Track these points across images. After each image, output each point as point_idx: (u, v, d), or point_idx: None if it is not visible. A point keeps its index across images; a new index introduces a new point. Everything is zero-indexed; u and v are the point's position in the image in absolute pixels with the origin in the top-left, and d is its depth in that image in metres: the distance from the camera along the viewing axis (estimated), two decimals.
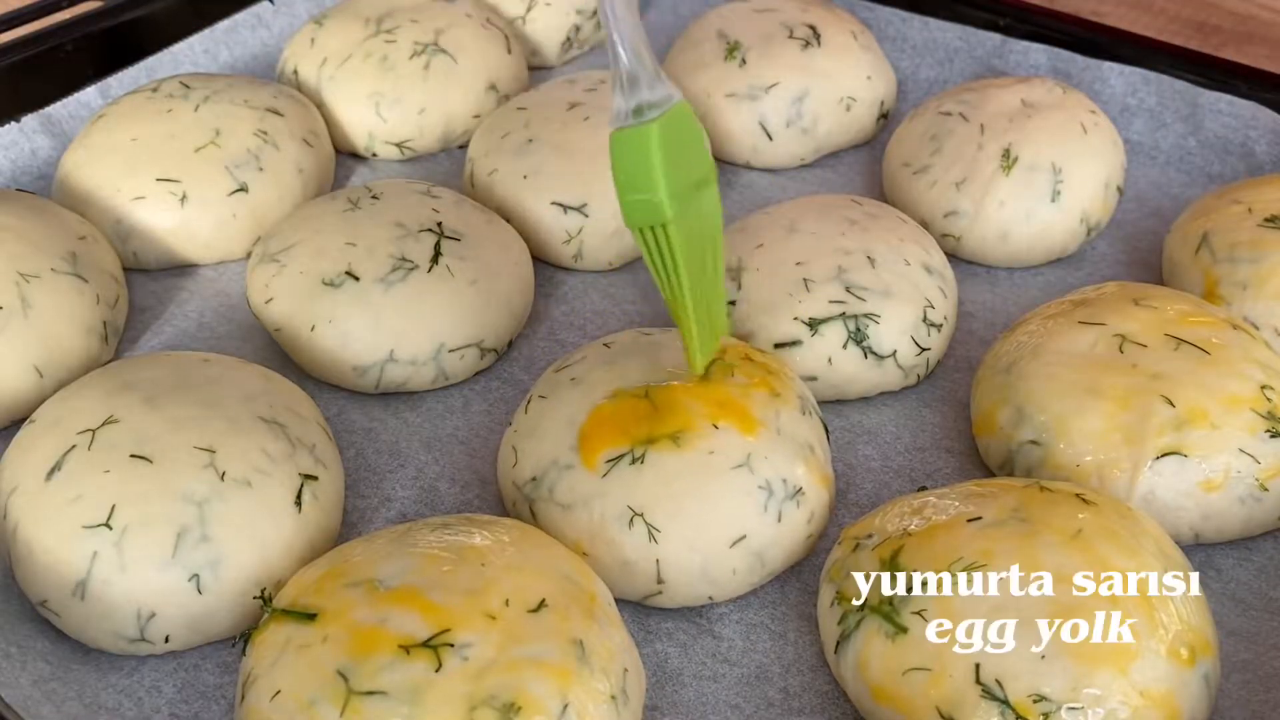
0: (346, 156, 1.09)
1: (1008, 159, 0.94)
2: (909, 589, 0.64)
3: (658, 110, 0.65)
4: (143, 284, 0.96)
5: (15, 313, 0.83)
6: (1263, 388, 0.74)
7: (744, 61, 1.06)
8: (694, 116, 0.68)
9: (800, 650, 0.71)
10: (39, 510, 0.70)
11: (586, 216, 0.94)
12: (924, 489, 0.72)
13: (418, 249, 0.86)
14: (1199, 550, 0.75)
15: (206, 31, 1.13)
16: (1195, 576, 0.66)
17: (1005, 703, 0.60)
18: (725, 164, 1.08)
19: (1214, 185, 1.03)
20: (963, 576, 0.63)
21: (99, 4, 1.15)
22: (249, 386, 0.76)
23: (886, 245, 0.86)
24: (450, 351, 0.85)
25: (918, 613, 0.63)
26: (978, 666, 0.61)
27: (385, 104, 1.06)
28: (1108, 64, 1.07)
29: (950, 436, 0.84)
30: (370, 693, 0.58)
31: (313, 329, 0.85)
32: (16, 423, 0.82)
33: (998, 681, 0.60)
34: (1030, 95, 0.98)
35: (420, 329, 0.84)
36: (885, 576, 0.65)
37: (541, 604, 0.62)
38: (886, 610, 0.64)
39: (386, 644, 0.60)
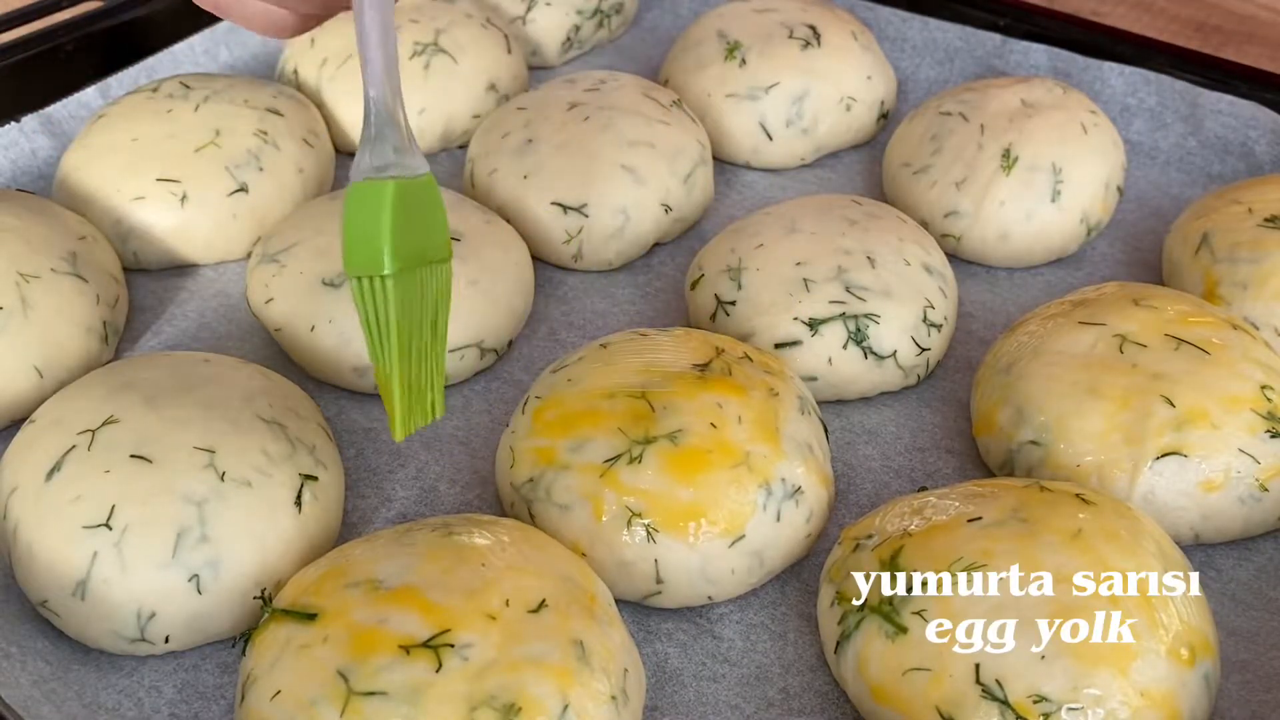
0: (346, 156, 1.09)
1: (1008, 159, 0.94)
2: (909, 589, 0.64)
3: (401, 174, 0.66)
4: (143, 284, 0.96)
5: (15, 313, 0.83)
6: (1263, 388, 0.74)
7: (744, 61, 1.06)
8: (439, 195, 0.69)
9: (800, 650, 0.71)
10: (39, 510, 0.70)
11: (586, 216, 0.94)
12: (924, 489, 0.72)
13: None
14: (1199, 550, 0.75)
15: (206, 31, 1.13)
16: (1195, 576, 0.66)
17: (1005, 703, 0.60)
18: (725, 164, 1.08)
19: (1214, 185, 1.03)
20: (963, 576, 0.63)
21: (99, 4, 1.15)
22: (249, 386, 0.76)
23: (886, 245, 0.86)
24: (450, 351, 0.85)
25: (918, 613, 0.63)
26: (978, 666, 0.61)
27: None
28: (1108, 64, 1.07)
29: (950, 436, 0.84)
30: (370, 693, 0.58)
31: (313, 329, 0.85)
32: (16, 423, 0.83)
33: (998, 681, 0.60)
34: (1030, 95, 0.98)
35: None
36: (885, 576, 0.65)
37: (542, 604, 0.62)
38: (886, 610, 0.64)
39: (387, 644, 0.60)
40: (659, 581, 0.71)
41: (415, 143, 0.67)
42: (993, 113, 0.97)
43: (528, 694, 0.59)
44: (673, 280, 0.97)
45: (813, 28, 1.07)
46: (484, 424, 0.85)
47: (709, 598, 0.72)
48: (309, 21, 0.64)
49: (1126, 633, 0.61)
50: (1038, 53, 1.09)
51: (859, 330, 0.83)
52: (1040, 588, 0.62)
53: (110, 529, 0.68)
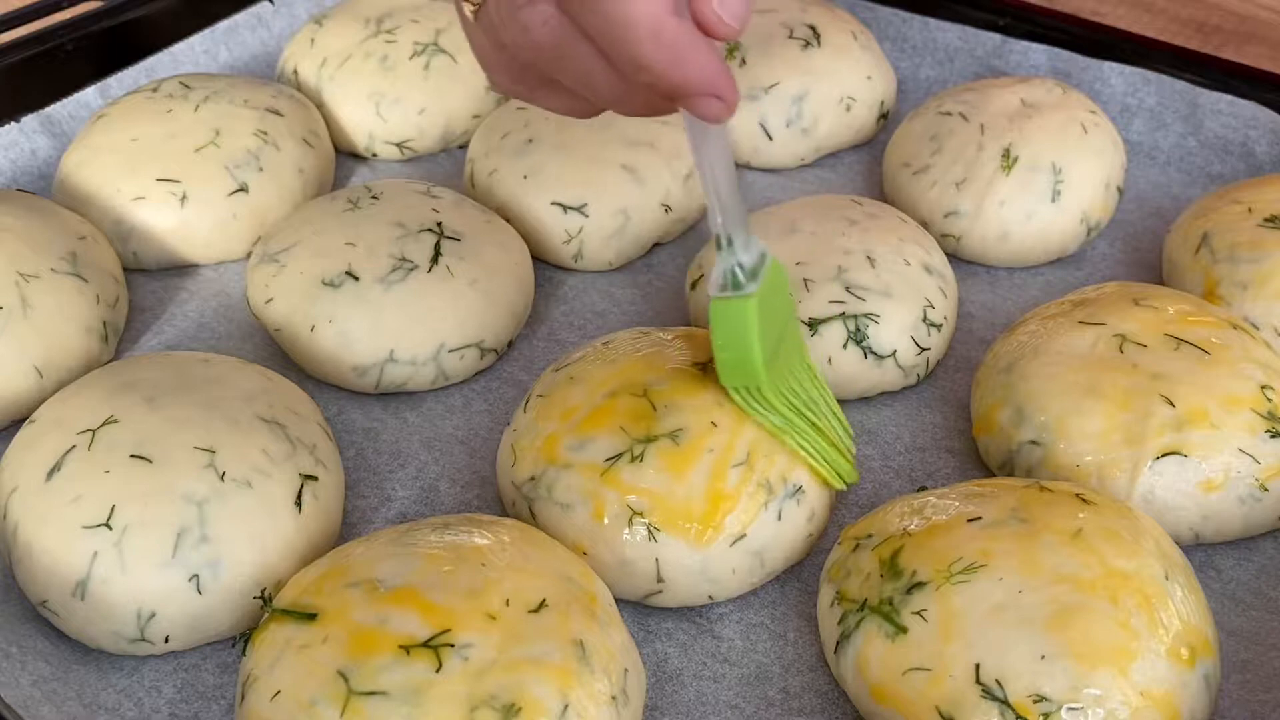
0: (346, 156, 1.09)
1: (1008, 159, 0.94)
2: (909, 589, 0.64)
3: (751, 271, 0.68)
4: (143, 284, 0.96)
5: (15, 313, 0.83)
6: (1263, 388, 0.74)
7: (744, 61, 1.06)
8: (782, 270, 0.71)
9: (800, 650, 0.71)
10: (39, 510, 0.70)
11: (586, 216, 0.94)
12: (924, 489, 0.72)
13: (418, 249, 0.86)
14: (1199, 550, 0.75)
15: (206, 31, 1.13)
16: (1195, 576, 0.66)
17: (1005, 703, 0.60)
18: None
19: (1214, 185, 1.03)
20: (963, 576, 0.63)
21: (99, 4, 1.15)
22: (249, 386, 0.76)
23: (886, 245, 0.86)
24: (450, 351, 0.85)
25: (918, 613, 0.63)
26: (978, 666, 0.61)
27: (385, 104, 1.06)
28: (1108, 64, 1.07)
29: (950, 436, 0.84)
30: (370, 693, 0.58)
31: (313, 329, 0.85)
32: (16, 423, 0.83)
33: (998, 681, 0.60)
34: (1030, 95, 0.98)
35: (420, 329, 0.84)
36: (885, 576, 0.65)
37: (542, 604, 0.62)
38: (886, 610, 0.64)
39: (387, 644, 0.60)
40: (660, 581, 0.71)
41: (753, 232, 0.69)
42: (993, 113, 0.97)
43: (528, 694, 0.59)
44: (673, 280, 0.97)
45: (813, 28, 1.07)
46: (484, 424, 0.85)
47: (709, 597, 0.72)
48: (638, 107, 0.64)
49: (1126, 633, 0.61)
50: (1038, 53, 1.09)
51: (859, 330, 0.83)
52: (1040, 587, 0.62)
53: (110, 529, 0.68)
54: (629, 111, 0.61)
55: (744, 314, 0.67)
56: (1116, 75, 1.06)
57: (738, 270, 0.67)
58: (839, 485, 0.74)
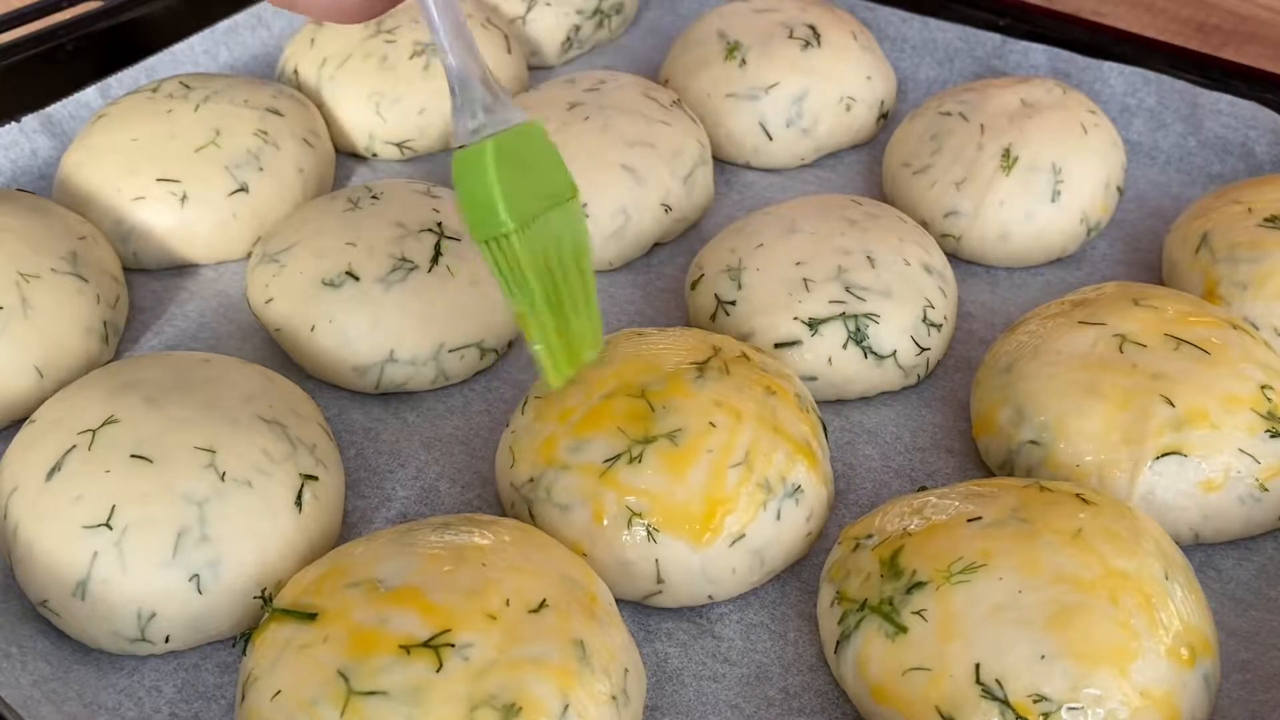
0: (346, 156, 1.09)
1: (1008, 159, 0.94)
2: (909, 589, 0.64)
3: (498, 130, 0.67)
4: (143, 284, 0.96)
5: (15, 313, 0.83)
6: (1263, 388, 0.74)
7: (744, 62, 1.06)
8: (546, 137, 0.69)
9: (800, 650, 0.71)
10: (39, 510, 0.70)
11: (586, 216, 0.94)
12: (924, 489, 0.72)
13: (418, 249, 0.86)
14: (1199, 550, 0.75)
15: (206, 31, 1.13)
16: (1195, 576, 0.66)
17: (1005, 703, 0.60)
18: (725, 164, 1.08)
19: (1214, 185, 1.03)
20: (963, 576, 0.63)
21: (99, 4, 1.15)
22: (249, 386, 0.76)
23: (886, 245, 0.86)
24: (450, 351, 0.85)
25: (918, 613, 0.63)
26: (978, 666, 0.61)
27: (385, 104, 1.06)
28: (1108, 64, 1.07)
29: (950, 436, 0.84)
30: (371, 693, 0.58)
31: (313, 329, 0.85)
32: (16, 423, 0.83)
33: (998, 681, 0.60)
34: (1030, 95, 0.98)
35: (420, 329, 0.84)
36: (885, 576, 0.65)
37: (542, 604, 0.62)
38: (886, 610, 0.64)
39: (387, 644, 0.60)
40: (659, 581, 0.71)
41: (507, 95, 0.68)
42: (993, 113, 0.97)
43: (528, 694, 0.59)
44: (673, 280, 0.97)
45: (813, 28, 1.07)
46: (484, 424, 0.85)
47: (709, 597, 0.72)
48: (376, 5, 0.63)
49: (1126, 633, 0.61)
50: (1038, 53, 1.09)
51: (859, 330, 0.83)
52: (1040, 587, 0.62)
53: (110, 529, 0.68)
54: None
55: (481, 158, 0.65)
56: (1116, 75, 1.06)
57: (476, 129, 0.66)
58: (555, 381, 0.69)
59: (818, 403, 0.82)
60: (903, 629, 0.63)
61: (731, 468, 0.71)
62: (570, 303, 0.68)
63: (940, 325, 0.86)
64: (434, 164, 1.08)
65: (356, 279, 0.85)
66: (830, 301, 0.83)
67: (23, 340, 0.83)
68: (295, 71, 1.10)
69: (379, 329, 0.84)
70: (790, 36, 1.06)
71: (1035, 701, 0.59)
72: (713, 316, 0.86)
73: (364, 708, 0.58)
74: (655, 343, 0.78)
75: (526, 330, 0.68)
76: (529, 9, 1.17)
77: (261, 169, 0.97)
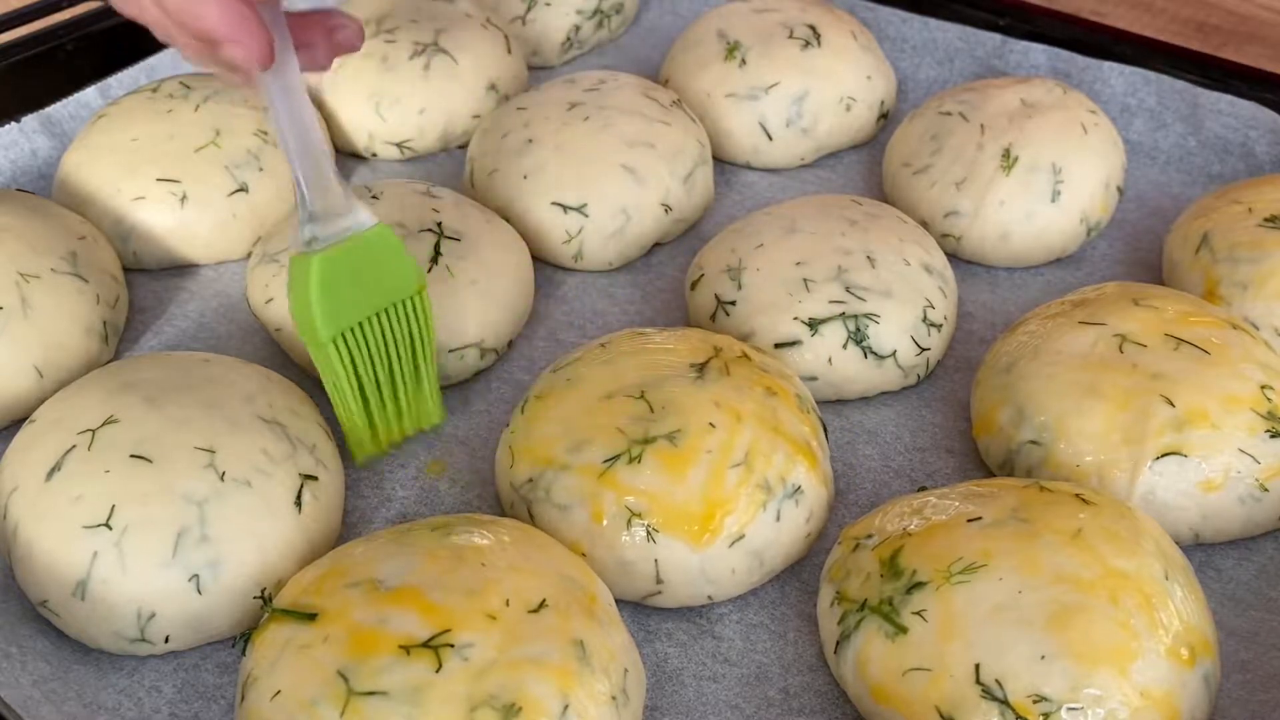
0: (346, 156, 1.09)
1: (1008, 159, 0.94)
2: (909, 589, 0.64)
3: (336, 238, 0.73)
4: (143, 284, 0.96)
5: (15, 313, 0.83)
6: (1263, 388, 0.74)
7: (744, 61, 1.06)
8: (390, 237, 0.75)
9: (800, 650, 0.71)
10: (39, 510, 0.70)
11: (586, 216, 0.94)
12: (924, 489, 0.72)
13: (417, 249, 0.86)
14: (1199, 550, 0.75)
15: None
16: (1195, 576, 0.66)
17: (1005, 703, 0.60)
18: (725, 164, 1.08)
19: (1214, 185, 1.03)
20: (963, 577, 0.63)
21: (99, 4, 1.15)
22: (249, 386, 0.76)
23: (886, 245, 0.86)
24: (450, 351, 0.85)
25: (918, 613, 0.63)
26: (978, 666, 0.61)
27: (385, 104, 1.06)
28: (1108, 64, 1.07)
29: (950, 436, 0.84)
30: (371, 693, 0.58)
31: None
32: (16, 423, 0.83)
33: (998, 681, 0.60)
34: (1030, 95, 0.98)
35: None
36: (885, 577, 0.65)
37: (542, 604, 0.62)
38: (886, 610, 0.64)
39: (387, 644, 0.60)
40: (659, 581, 0.71)
41: (353, 199, 0.73)
42: (993, 113, 0.97)
43: (528, 694, 0.59)
44: (673, 280, 0.97)
45: (813, 28, 1.07)
46: (484, 424, 0.85)
47: (709, 598, 0.72)
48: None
49: (1126, 633, 0.61)
50: (1038, 53, 1.09)
51: (859, 330, 0.83)
52: (1040, 588, 0.62)
53: (110, 529, 0.68)
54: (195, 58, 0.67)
55: (306, 273, 0.71)
56: (1116, 75, 1.06)
57: (315, 237, 0.72)
58: (357, 456, 0.79)
59: (818, 403, 0.82)
60: (903, 629, 0.63)
61: (731, 468, 0.71)
62: (401, 386, 0.78)
63: (940, 325, 0.86)
64: (434, 164, 1.08)
65: None
66: (830, 301, 0.83)
67: (22, 340, 0.83)
68: None
69: None
70: (790, 36, 1.06)
71: (1035, 702, 0.59)
72: (713, 316, 0.86)
73: (364, 708, 0.58)
74: (655, 343, 0.78)
75: (336, 409, 0.76)
76: (529, 9, 1.17)
77: (262, 169, 0.97)
